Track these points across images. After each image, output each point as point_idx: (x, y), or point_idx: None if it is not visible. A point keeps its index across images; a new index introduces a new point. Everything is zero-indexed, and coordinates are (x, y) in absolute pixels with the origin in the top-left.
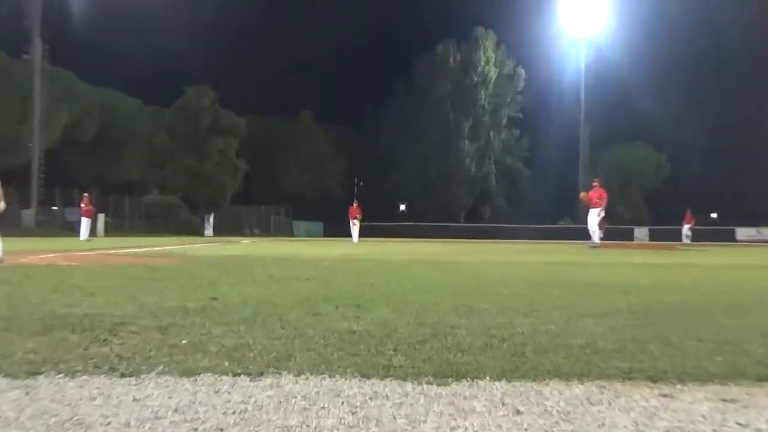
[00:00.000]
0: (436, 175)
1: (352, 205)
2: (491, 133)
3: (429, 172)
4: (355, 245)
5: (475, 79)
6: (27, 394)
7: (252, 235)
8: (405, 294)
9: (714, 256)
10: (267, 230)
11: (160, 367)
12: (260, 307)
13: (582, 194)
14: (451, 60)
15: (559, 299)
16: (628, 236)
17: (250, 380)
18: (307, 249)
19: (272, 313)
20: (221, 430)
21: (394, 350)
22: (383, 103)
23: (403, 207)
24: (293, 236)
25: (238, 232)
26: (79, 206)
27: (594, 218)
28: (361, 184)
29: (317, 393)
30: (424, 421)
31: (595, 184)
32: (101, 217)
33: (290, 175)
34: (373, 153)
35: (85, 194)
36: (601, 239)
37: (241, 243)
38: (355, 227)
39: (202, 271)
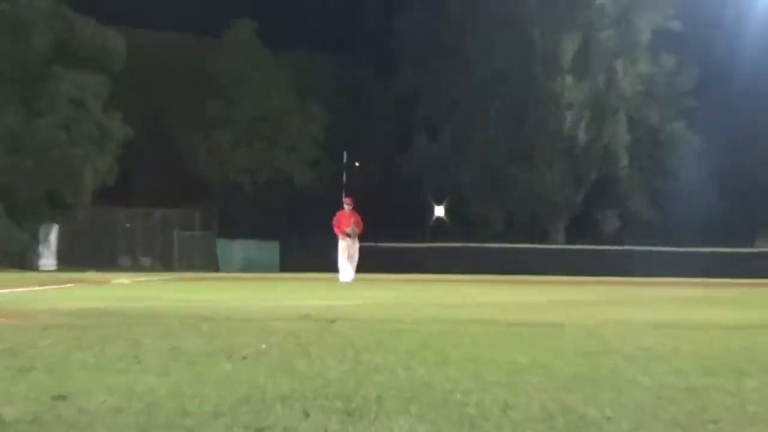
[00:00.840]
0: (507, 148)
1: (343, 207)
2: (618, 63)
3: (492, 142)
4: (346, 288)
5: None
6: None
7: (136, 268)
8: (445, 387)
9: None
10: (167, 258)
11: None
12: (153, 413)
13: None
14: None
15: (760, 399)
16: None
17: None
18: (249, 297)
19: (176, 426)
20: None
21: None
22: (398, 7)
23: (439, 212)
24: (219, 270)
25: (109, 262)
26: None
27: None
28: (357, 165)
29: None
30: None
31: None
32: None
33: (213, 147)
34: (380, 105)
35: None
36: None
37: (116, 284)
38: (348, 252)
39: (37, 341)
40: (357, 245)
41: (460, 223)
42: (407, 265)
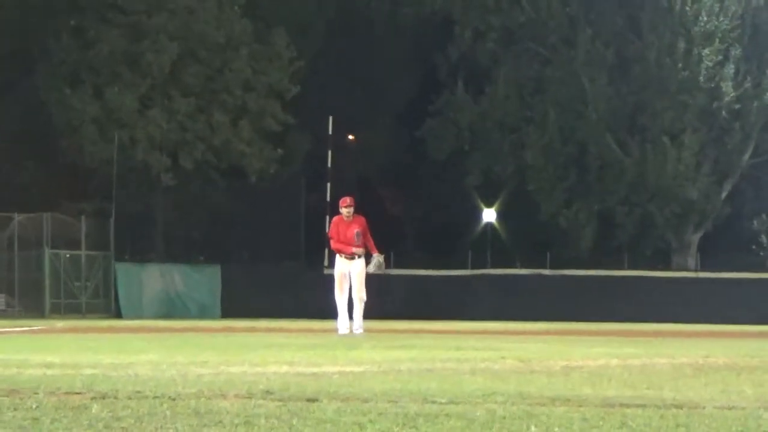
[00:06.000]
0: (603, 111)
1: (339, 212)
2: None
3: (577, 101)
4: (338, 345)
5: None
6: None
7: None
8: None
9: None
10: (32, 295)
11: None
12: None
13: None
14: None
15: None
16: None
17: None
18: (170, 359)
19: None
20: None
21: None
22: None
23: (489, 217)
24: (120, 315)
25: None
26: None
27: None
28: (350, 138)
29: None
30: None
31: None
32: None
33: (109, 110)
34: (390, 38)
35: None
36: None
37: None
38: (346, 283)
39: None
40: (363, 272)
41: (522, 237)
42: (436, 307)
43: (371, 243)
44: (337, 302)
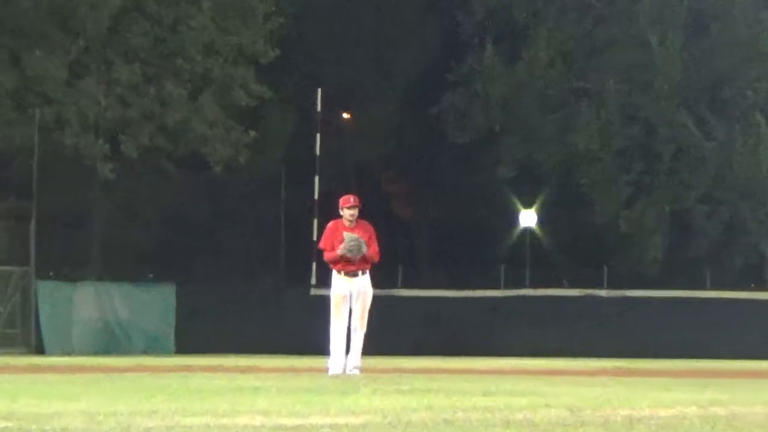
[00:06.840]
0: (676, 83)
1: (340, 216)
2: None
3: (643, 71)
4: (340, 384)
5: None
6: None
7: None
8: None
9: None
10: None
11: None
12: None
13: None
14: None
15: None
16: None
17: None
18: (108, 408)
19: None
20: None
21: None
22: None
23: (527, 220)
24: (42, 350)
25: None
26: None
27: None
28: (345, 116)
29: None
30: None
31: None
32: None
33: (29, 78)
34: None
35: None
36: None
37: None
38: (345, 309)
39: None
40: (369, 294)
41: (570, 247)
42: (458, 339)
43: (374, 249)
44: (332, 333)
